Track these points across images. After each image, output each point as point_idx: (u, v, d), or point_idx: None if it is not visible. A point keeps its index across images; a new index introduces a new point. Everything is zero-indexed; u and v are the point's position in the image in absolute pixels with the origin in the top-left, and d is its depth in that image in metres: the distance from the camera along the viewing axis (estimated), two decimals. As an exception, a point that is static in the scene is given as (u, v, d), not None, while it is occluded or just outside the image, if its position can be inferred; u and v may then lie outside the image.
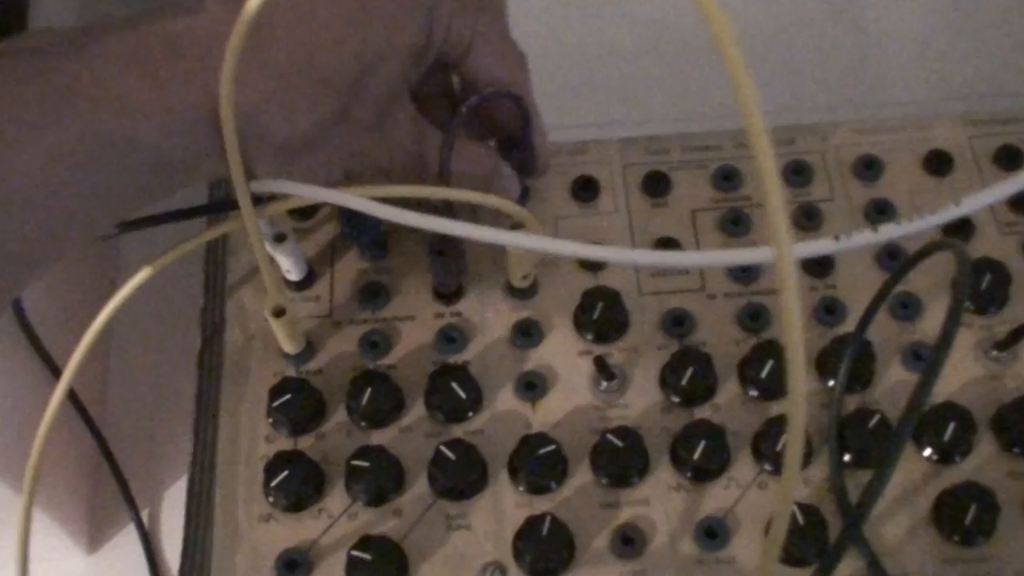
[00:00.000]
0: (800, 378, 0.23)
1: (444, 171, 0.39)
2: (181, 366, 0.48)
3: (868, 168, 0.47)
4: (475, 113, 0.39)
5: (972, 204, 0.35)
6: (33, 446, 0.40)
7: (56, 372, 0.45)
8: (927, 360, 0.28)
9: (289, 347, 0.43)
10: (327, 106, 0.35)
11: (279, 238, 0.42)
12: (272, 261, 0.42)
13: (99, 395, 0.55)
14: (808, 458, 0.41)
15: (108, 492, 0.52)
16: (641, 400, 0.43)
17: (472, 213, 0.43)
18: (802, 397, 0.23)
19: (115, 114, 0.31)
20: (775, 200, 0.22)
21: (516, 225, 0.42)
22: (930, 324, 0.44)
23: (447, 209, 0.42)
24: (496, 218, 0.41)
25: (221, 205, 0.43)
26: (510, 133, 0.42)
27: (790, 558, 0.39)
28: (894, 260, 0.45)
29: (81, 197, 0.32)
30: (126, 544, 0.53)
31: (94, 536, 0.53)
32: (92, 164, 0.31)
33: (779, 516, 0.28)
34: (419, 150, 0.39)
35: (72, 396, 0.47)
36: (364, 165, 0.38)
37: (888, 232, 0.35)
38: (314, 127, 0.35)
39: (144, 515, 0.53)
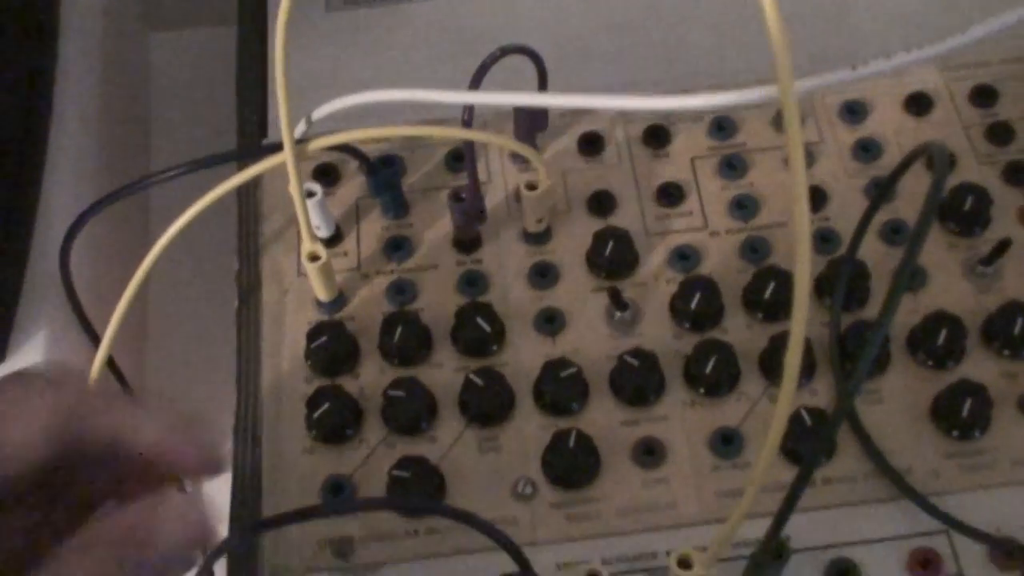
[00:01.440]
0: (804, 206, 0.26)
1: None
2: (218, 336, 0.51)
3: (853, 112, 0.50)
4: None
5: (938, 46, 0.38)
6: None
7: (96, 339, 0.48)
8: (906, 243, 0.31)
9: (324, 295, 0.46)
10: None
11: (309, 194, 0.46)
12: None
13: (137, 369, 0.58)
14: (811, 370, 0.44)
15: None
16: (653, 329, 0.46)
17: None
18: (807, 236, 0.26)
19: None
20: (778, 35, 0.25)
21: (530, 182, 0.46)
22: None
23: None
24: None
25: (252, 150, 0.46)
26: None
27: (798, 458, 0.42)
28: (882, 191, 0.48)
29: None
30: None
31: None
32: None
33: (785, 389, 0.31)
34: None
35: (111, 363, 0.49)
36: None
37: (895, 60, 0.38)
38: None
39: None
